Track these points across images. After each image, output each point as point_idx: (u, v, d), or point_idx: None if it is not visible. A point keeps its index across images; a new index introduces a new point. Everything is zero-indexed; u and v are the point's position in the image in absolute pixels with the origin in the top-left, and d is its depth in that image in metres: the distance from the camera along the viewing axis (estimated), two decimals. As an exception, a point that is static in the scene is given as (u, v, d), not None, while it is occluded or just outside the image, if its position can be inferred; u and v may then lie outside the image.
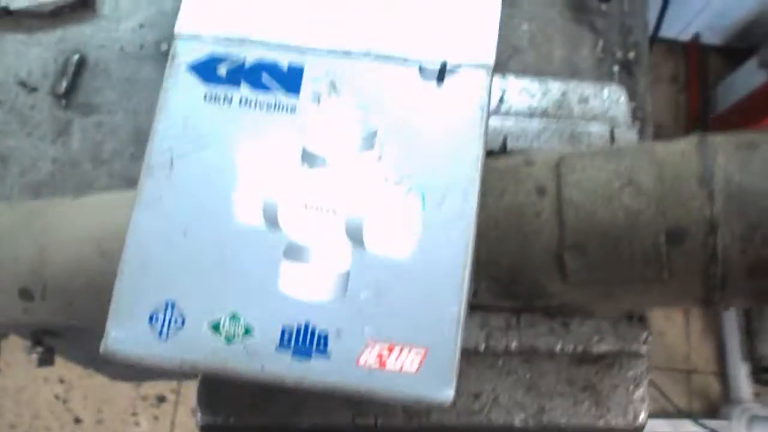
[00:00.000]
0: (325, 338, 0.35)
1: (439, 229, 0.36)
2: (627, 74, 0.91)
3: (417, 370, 0.35)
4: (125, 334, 0.36)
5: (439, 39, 0.39)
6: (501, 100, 0.50)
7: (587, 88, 0.51)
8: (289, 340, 0.35)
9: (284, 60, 0.39)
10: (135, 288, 0.36)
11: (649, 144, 0.43)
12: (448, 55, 0.38)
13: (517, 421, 0.45)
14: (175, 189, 0.38)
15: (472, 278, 0.36)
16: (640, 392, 0.46)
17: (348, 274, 0.36)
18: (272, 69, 0.39)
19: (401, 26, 0.39)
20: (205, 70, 0.39)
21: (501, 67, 0.84)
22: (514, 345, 0.45)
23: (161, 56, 0.78)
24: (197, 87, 0.39)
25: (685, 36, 1.98)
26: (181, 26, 0.40)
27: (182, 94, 0.39)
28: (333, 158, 0.37)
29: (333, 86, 0.39)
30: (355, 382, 0.35)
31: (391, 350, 0.35)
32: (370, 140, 0.38)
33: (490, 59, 0.38)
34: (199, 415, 0.44)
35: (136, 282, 0.36)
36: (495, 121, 0.49)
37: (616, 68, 0.91)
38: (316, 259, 0.37)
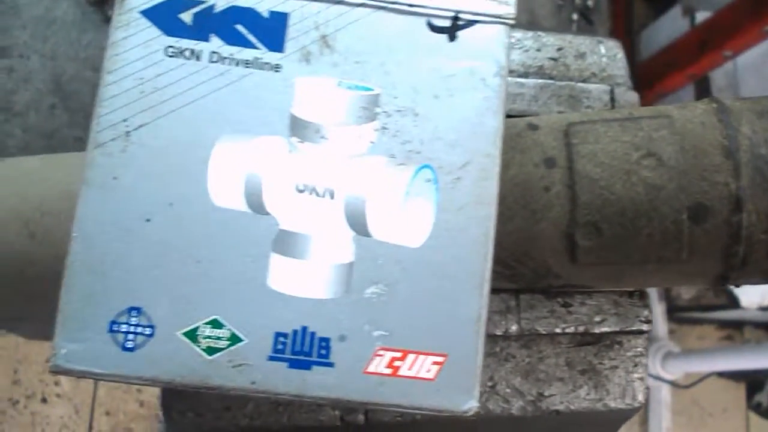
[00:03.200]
0: (327, 344, 0.30)
1: (455, 215, 0.31)
2: (586, 22, 0.87)
3: (435, 377, 0.30)
4: (81, 347, 0.29)
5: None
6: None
7: (582, 44, 0.46)
8: (284, 348, 0.30)
9: (263, 6, 0.32)
10: (89, 292, 0.30)
11: (664, 109, 0.39)
12: (461, 6, 0.33)
13: (515, 409, 0.42)
14: (134, 166, 0.31)
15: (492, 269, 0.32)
16: (639, 372, 0.43)
17: (350, 267, 0.31)
18: (248, 17, 0.32)
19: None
20: (165, 16, 0.31)
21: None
22: (513, 329, 0.42)
23: (79, -10, 0.67)
24: (156, 39, 0.31)
25: (611, -18, 1.97)
26: (130, -40, 0.32)
27: (137, 48, 0.31)
28: (328, 129, 0.31)
29: (325, 41, 0.32)
30: (363, 394, 0.30)
31: (404, 357, 0.30)
32: (371, 108, 0.32)
33: (510, 11, 0.33)
34: (162, 420, 0.38)
35: (90, 284, 0.30)
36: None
37: (575, 16, 0.87)
38: (312, 251, 0.31)
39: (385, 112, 0.32)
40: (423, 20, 0.32)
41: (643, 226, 0.37)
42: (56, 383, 1.55)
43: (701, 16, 1.76)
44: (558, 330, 0.42)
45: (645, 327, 0.43)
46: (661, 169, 0.37)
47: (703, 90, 1.78)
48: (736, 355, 1.64)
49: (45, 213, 0.44)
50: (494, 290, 0.41)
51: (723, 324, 1.96)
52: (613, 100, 0.45)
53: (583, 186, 0.37)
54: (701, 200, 0.36)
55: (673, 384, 1.74)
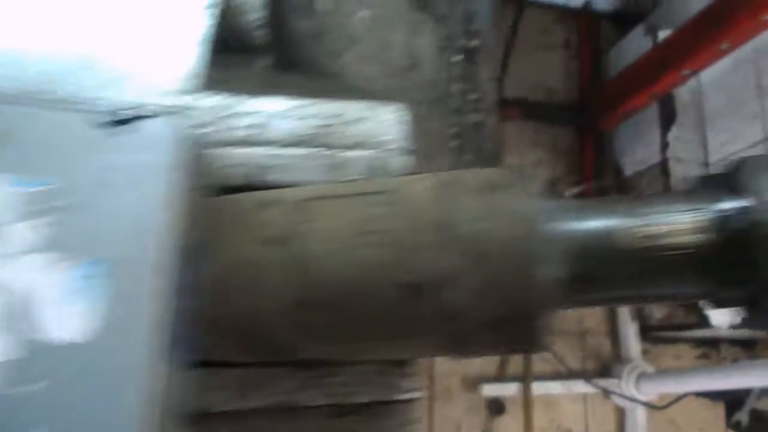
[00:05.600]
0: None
1: (120, 309, 0.32)
2: (469, 62, 0.88)
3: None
4: None
5: (114, 74, 0.33)
6: (262, 126, 0.45)
7: (364, 109, 0.46)
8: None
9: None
10: None
11: (396, 182, 0.40)
12: (124, 96, 0.33)
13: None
14: None
15: (172, 355, 0.32)
16: (406, 441, 0.43)
17: (13, 364, 0.32)
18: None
19: (69, 58, 0.34)
20: None
21: (336, 57, 0.79)
22: (271, 401, 0.42)
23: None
24: None
25: (577, 2, 1.97)
26: None
27: None
28: (-1, 227, 0.32)
29: None
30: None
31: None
32: (40, 205, 0.33)
33: (180, 100, 0.33)
34: None
35: None
36: (257, 151, 0.44)
37: (458, 56, 0.87)
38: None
39: (51, 207, 0.32)
40: (80, 114, 0.33)
41: (361, 303, 0.37)
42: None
43: (663, 34, 1.76)
44: (314, 401, 0.42)
45: (407, 396, 0.43)
46: (380, 247, 0.37)
47: (667, 108, 1.76)
48: (711, 375, 1.60)
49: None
50: (230, 364, 0.42)
51: (699, 342, 1.93)
52: (376, 167, 0.45)
53: (308, 265, 0.37)
54: (415, 278, 0.36)
55: (649, 405, 1.71)
